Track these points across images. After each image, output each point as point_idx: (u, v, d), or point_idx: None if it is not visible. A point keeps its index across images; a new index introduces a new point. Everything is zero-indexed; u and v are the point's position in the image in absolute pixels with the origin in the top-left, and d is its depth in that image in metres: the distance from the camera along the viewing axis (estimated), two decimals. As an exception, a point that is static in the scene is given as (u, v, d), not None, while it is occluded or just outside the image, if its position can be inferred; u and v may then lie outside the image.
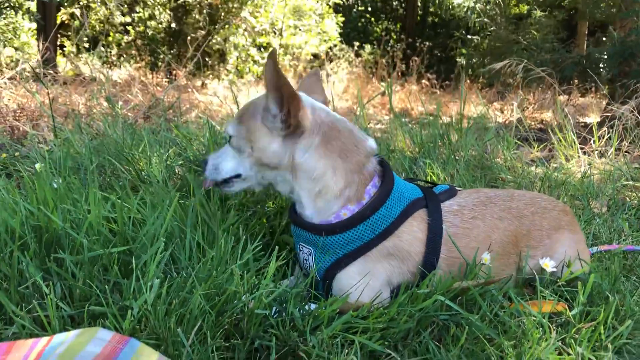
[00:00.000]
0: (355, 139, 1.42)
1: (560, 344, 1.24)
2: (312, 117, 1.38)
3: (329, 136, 1.38)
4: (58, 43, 8.72)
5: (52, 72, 4.73)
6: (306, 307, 1.27)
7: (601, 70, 6.15)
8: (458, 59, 11.07)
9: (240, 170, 1.47)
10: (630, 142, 3.62)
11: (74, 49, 8.67)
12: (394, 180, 1.44)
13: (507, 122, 5.34)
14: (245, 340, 1.17)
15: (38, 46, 5.39)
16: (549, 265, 1.45)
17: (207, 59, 8.74)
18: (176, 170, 2.21)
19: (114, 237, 1.41)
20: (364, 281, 1.35)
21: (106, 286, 1.19)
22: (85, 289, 1.22)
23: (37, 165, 1.95)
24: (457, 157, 2.80)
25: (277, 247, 1.37)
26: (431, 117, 3.39)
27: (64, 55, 8.97)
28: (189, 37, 8.13)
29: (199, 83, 7.46)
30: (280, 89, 1.32)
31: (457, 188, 1.60)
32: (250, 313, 1.18)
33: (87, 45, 9.11)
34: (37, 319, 1.17)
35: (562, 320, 1.36)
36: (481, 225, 1.48)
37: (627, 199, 2.53)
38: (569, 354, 1.21)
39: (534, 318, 1.26)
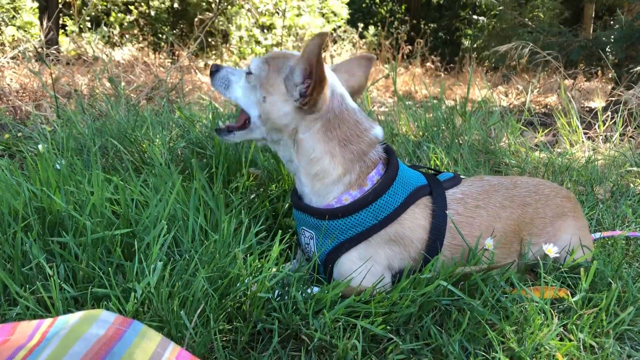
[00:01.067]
0: (359, 129, 1.42)
1: (561, 329, 1.24)
2: (327, 102, 1.38)
3: (332, 124, 1.39)
4: (60, 23, 8.65)
5: (54, 52, 4.70)
6: (308, 291, 1.27)
7: (608, 54, 6.08)
8: (464, 40, 10.96)
9: (246, 106, 1.46)
10: (635, 128, 3.59)
11: (76, 29, 8.61)
12: (398, 167, 1.43)
13: (511, 106, 5.30)
14: (248, 323, 1.18)
15: (40, 26, 5.35)
16: (552, 251, 1.45)
17: (210, 40, 8.67)
18: (179, 152, 2.20)
19: (117, 219, 1.41)
20: (366, 266, 1.35)
21: (109, 268, 1.19)
22: (89, 270, 1.22)
23: (40, 146, 1.94)
24: (460, 142, 2.78)
25: (279, 231, 1.37)
26: (435, 101, 3.36)
27: (66, 35, 8.90)
28: (195, 19, 8.05)
29: (202, 64, 7.42)
30: (313, 66, 1.30)
31: (462, 176, 1.59)
32: (253, 296, 1.18)
33: (89, 25, 9.04)
34: (41, 300, 1.18)
35: (564, 306, 1.36)
36: (484, 215, 1.48)
37: (631, 185, 2.52)
38: (570, 340, 1.22)
39: (536, 304, 1.26)
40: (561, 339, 1.22)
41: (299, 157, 1.41)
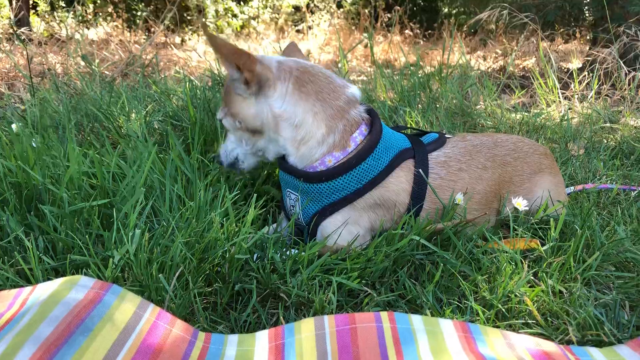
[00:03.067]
0: (333, 85, 1.41)
1: (532, 277, 1.29)
2: (277, 67, 1.38)
3: (302, 80, 1.38)
4: (31, 2, 8.45)
5: (25, 32, 4.61)
6: (287, 252, 1.30)
7: (585, 14, 6.10)
8: (442, 6, 10.89)
9: (238, 148, 1.52)
10: (610, 86, 3.64)
11: (48, 8, 8.42)
12: (382, 129, 1.43)
13: (490, 69, 5.32)
14: (228, 284, 1.21)
15: (10, 6, 5.23)
16: (521, 204, 1.49)
17: (185, 15, 8.53)
18: (155, 126, 2.20)
19: (94, 192, 1.42)
20: (349, 229, 1.38)
21: (88, 238, 1.21)
22: (68, 240, 1.23)
23: (14, 126, 1.93)
24: (437, 105, 2.81)
25: (255, 195, 1.39)
26: (413, 68, 3.37)
27: (38, 15, 8.71)
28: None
29: (178, 40, 7.31)
30: (227, 55, 1.33)
31: (447, 135, 1.61)
32: (231, 258, 1.21)
33: (62, 4, 8.84)
34: (21, 272, 1.19)
35: (535, 256, 1.41)
36: (466, 178, 1.50)
37: (605, 140, 2.57)
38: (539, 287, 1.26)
39: (507, 254, 1.30)
40: (531, 286, 1.27)
41: (283, 133, 1.39)
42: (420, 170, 1.43)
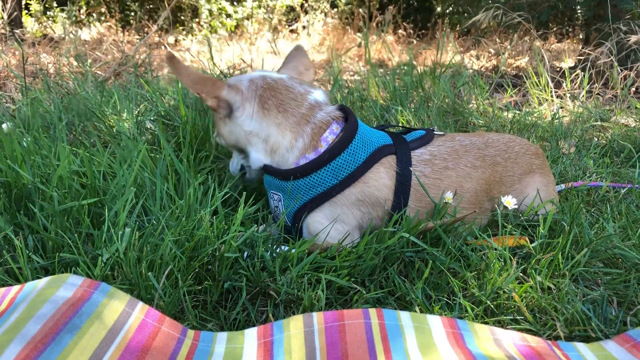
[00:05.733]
0: (293, 94, 1.47)
1: (521, 274, 1.29)
2: (247, 87, 1.48)
3: (264, 97, 1.46)
4: (24, 3, 8.42)
5: (18, 32, 4.59)
6: (277, 250, 1.30)
7: (578, 14, 6.12)
8: (435, 6, 10.91)
9: (241, 162, 1.61)
10: (602, 85, 3.66)
11: (41, 9, 8.39)
12: (356, 126, 1.45)
13: (483, 68, 5.34)
14: (217, 283, 1.21)
15: (3, 5, 5.22)
16: (510, 202, 1.50)
17: (179, 15, 8.52)
18: (148, 126, 2.20)
19: (84, 191, 1.42)
20: (333, 226, 1.39)
21: (77, 236, 1.21)
22: (57, 239, 1.23)
23: (4, 126, 1.93)
24: (429, 104, 2.82)
25: (244, 193, 1.39)
26: (406, 68, 3.38)
27: (31, 16, 8.67)
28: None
29: (171, 40, 7.30)
30: (190, 85, 1.44)
31: (438, 132, 1.61)
32: (220, 257, 1.21)
33: (55, 4, 8.81)
34: (10, 271, 1.19)
35: (524, 253, 1.42)
36: (453, 176, 1.50)
37: (595, 138, 2.58)
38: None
39: (496, 250, 1.31)
40: (520, 283, 1.28)
41: (256, 148, 1.48)
42: (403, 166, 1.44)
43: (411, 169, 1.44)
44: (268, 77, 1.51)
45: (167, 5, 6.21)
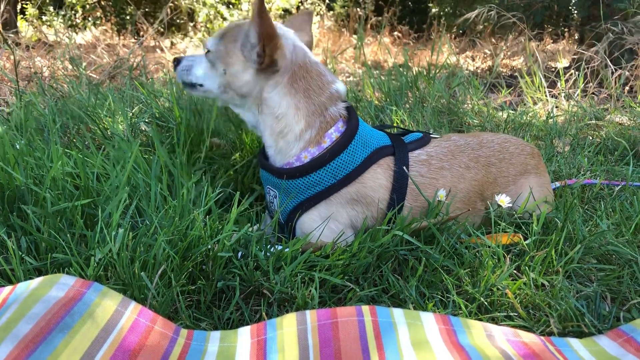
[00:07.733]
0: (322, 81, 1.44)
1: (514, 271, 1.30)
2: (289, 57, 1.41)
3: (297, 75, 1.41)
4: (19, 7, 8.41)
5: (12, 36, 4.59)
6: (271, 249, 1.30)
7: (572, 13, 6.15)
8: (430, 4, 10.92)
9: (207, 83, 1.50)
10: (597, 84, 3.67)
11: (36, 12, 8.39)
12: (358, 126, 1.45)
13: (478, 69, 5.35)
14: (211, 282, 1.21)
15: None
16: (504, 201, 1.50)
17: (175, 18, 8.52)
18: (142, 128, 2.20)
19: (78, 192, 1.42)
20: (327, 225, 1.39)
21: (69, 237, 1.21)
22: (50, 240, 1.23)
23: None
24: (424, 104, 2.82)
25: (238, 193, 1.39)
26: (401, 69, 3.39)
27: (26, 20, 8.67)
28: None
29: (167, 43, 7.30)
30: (264, 33, 1.34)
31: (434, 135, 1.61)
32: (214, 256, 1.21)
33: (51, 8, 8.80)
34: (3, 272, 1.19)
35: (518, 250, 1.42)
36: (448, 176, 1.50)
37: (589, 137, 2.59)
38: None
39: (490, 248, 1.31)
40: (514, 280, 1.28)
41: (263, 118, 1.44)
42: (400, 166, 1.44)
43: (407, 171, 1.44)
44: (308, 55, 1.47)
45: (160, 7, 6.21)
